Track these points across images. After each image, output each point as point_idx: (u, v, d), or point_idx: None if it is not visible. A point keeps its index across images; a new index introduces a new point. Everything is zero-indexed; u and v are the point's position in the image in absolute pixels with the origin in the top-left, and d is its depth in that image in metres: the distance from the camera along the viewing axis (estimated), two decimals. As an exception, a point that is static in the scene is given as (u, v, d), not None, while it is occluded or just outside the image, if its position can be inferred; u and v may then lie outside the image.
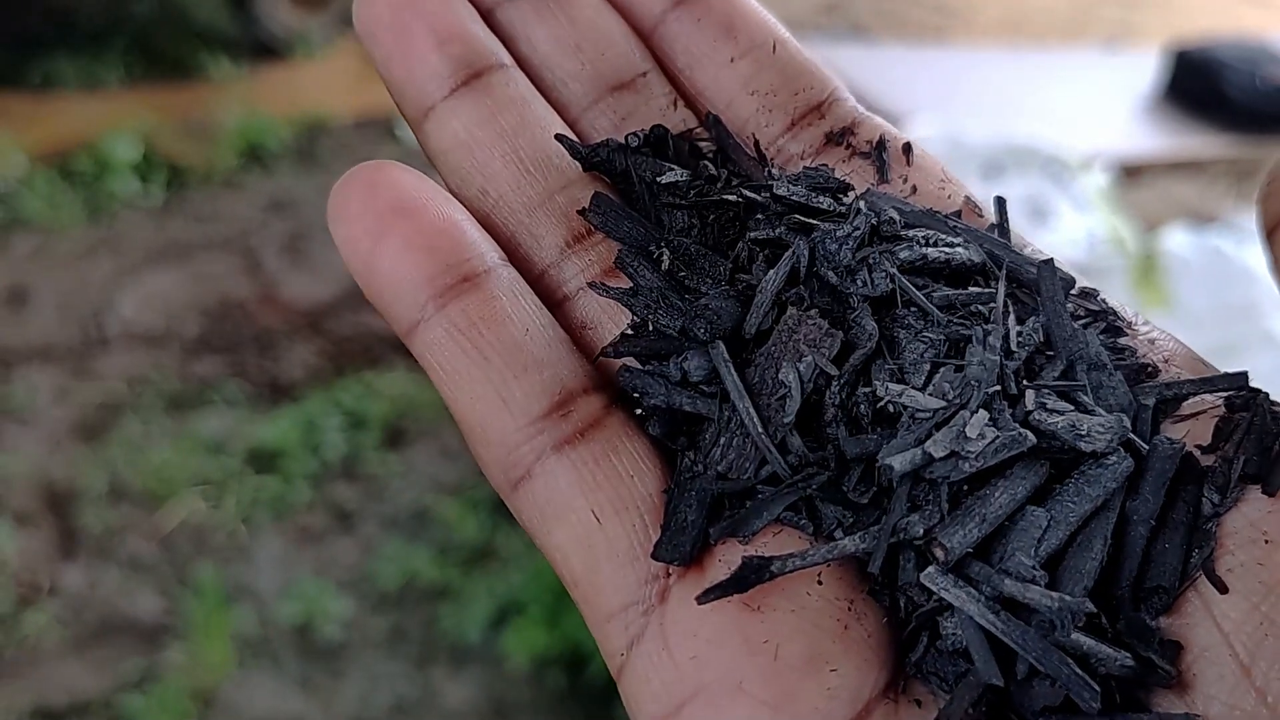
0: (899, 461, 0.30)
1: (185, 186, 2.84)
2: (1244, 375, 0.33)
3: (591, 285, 0.35)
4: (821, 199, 0.35)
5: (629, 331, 0.34)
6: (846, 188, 0.37)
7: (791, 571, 0.29)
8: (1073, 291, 0.36)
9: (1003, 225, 0.37)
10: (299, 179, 2.78)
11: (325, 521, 2.00)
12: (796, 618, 0.30)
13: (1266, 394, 0.33)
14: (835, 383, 0.32)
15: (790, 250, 0.34)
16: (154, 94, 3.06)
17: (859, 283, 0.33)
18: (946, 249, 0.34)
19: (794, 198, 0.35)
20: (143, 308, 2.43)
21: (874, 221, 0.34)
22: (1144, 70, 3.75)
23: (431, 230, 0.33)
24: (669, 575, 0.31)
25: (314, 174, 2.83)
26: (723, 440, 0.32)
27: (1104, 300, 0.36)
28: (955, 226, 0.36)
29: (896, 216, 0.35)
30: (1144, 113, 3.63)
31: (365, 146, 2.99)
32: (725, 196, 0.36)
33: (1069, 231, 1.78)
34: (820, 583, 0.30)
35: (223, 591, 1.82)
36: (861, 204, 0.35)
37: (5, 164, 2.71)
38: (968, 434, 0.30)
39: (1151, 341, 0.35)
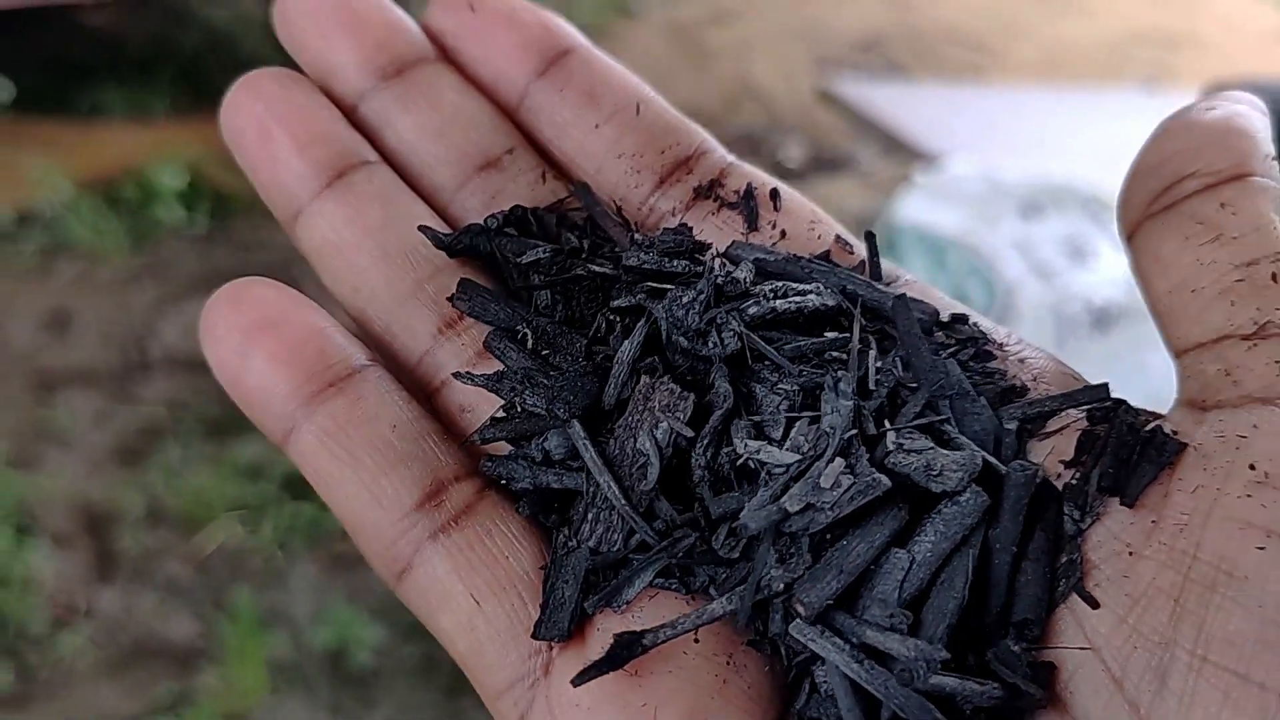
0: (754, 520, 0.30)
1: (229, 215, 2.89)
2: (1104, 387, 0.34)
3: (456, 375, 0.36)
4: (676, 263, 0.36)
5: (499, 414, 0.35)
6: (702, 247, 0.38)
7: (663, 642, 0.30)
8: (942, 319, 0.36)
9: (873, 261, 0.38)
10: (339, 209, 2.80)
11: (358, 549, 2.01)
12: (675, 679, 0.31)
13: (1126, 404, 0.34)
14: (699, 444, 0.32)
15: (642, 319, 0.34)
16: (200, 124, 3.10)
17: (710, 344, 0.34)
18: (797, 299, 0.35)
19: (646, 266, 0.36)
20: (184, 334, 2.46)
21: (719, 281, 0.35)
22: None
23: (295, 342, 0.34)
24: (551, 649, 0.32)
25: (354, 204, 2.86)
26: (590, 515, 0.33)
27: (974, 324, 0.37)
28: (815, 270, 0.37)
29: (743, 276, 0.35)
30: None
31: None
32: (580, 272, 0.37)
33: (1108, 271, 1.77)
34: (697, 640, 0.32)
35: (257, 616, 1.83)
36: (716, 263, 0.36)
37: (52, 190, 2.76)
38: (822, 484, 0.31)
39: (1022, 360, 0.36)
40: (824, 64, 4.16)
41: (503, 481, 0.34)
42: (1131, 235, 0.35)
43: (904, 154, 3.41)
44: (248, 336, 0.34)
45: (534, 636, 0.32)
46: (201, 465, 2.11)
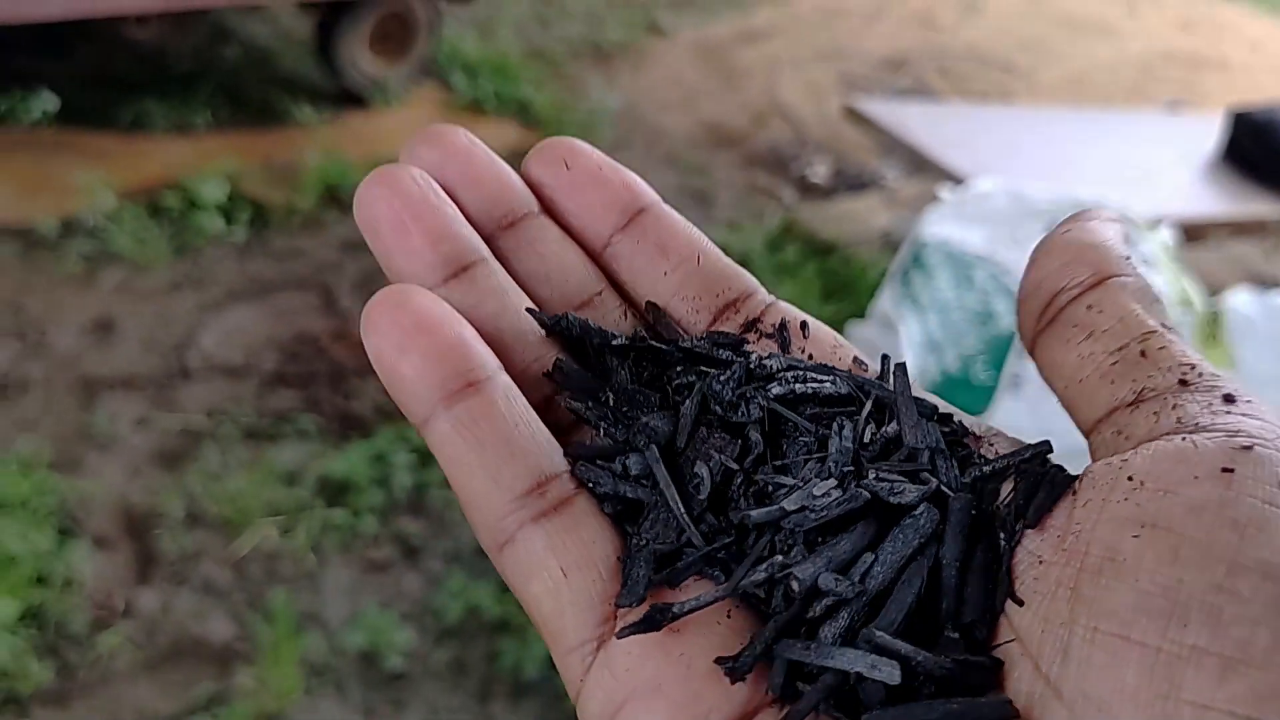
0: (757, 514, 0.40)
1: (267, 226, 2.93)
2: (1046, 443, 0.41)
3: (559, 398, 0.44)
4: (721, 351, 0.46)
5: (586, 441, 0.44)
6: (743, 341, 0.47)
7: (689, 612, 0.39)
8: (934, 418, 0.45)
9: (883, 373, 0.47)
10: (375, 221, 2.83)
11: (392, 554, 2.04)
12: (706, 639, 0.38)
13: (1044, 448, 0.41)
14: (737, 476, 0.42)
15: (696, 389, 0.45)
16: (240, 137, 3.15)
17: (740, 414, 0.44)
18: (815, 384, 0.45)
19: (698, 350, 0.46)
20: (223, 342, 2.51)
21: (751, 366, 0.45)
22: (1206, 133, 3.74)
23: (444, 345, 0.41)
24: (616, 618, 0.39)
25: (389, 217, 2.89)
26: (652, 517, 0.42)
27: (959, 421, 0.45)
28: (835, 371, 0.46)
29: (772, 364, 0.45)
30: (1206, 175, 3.61)
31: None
32: (651, 345, 0.46)
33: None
34: (729, 615, 0.39)
35: (293, 618, 1.86)
36: (752, 355, 0.46)
37: (96, 200, 2.81)
38: (815, 493, 0.40)
39: (992, 445, 0.43)
40: (851, 83, 4.18)
41: (590, 485, 0.42)
42: (1032, 351, 0.42)
43: (930, 172, 3.43)
44: (407, 335, 0.40)
45: (617, 604, 0.39)
46: (239, 470, 2.15)
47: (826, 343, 0.48)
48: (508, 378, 0.42)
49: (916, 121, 3.69)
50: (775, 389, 0.44)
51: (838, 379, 0.45)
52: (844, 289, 2.85)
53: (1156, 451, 0.35)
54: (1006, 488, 0.41)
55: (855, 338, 2.13)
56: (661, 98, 3.88)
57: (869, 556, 0.39)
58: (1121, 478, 0.35)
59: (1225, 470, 0.33)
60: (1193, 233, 3.08)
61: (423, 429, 0.41)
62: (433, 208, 0.45)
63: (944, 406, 0.46)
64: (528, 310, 0.45)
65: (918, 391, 0.46)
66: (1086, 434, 0.39)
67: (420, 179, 0.45)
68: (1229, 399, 0.36)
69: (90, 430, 2.21)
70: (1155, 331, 0.38)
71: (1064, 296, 0.40)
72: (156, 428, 2.24)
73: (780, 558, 0.39)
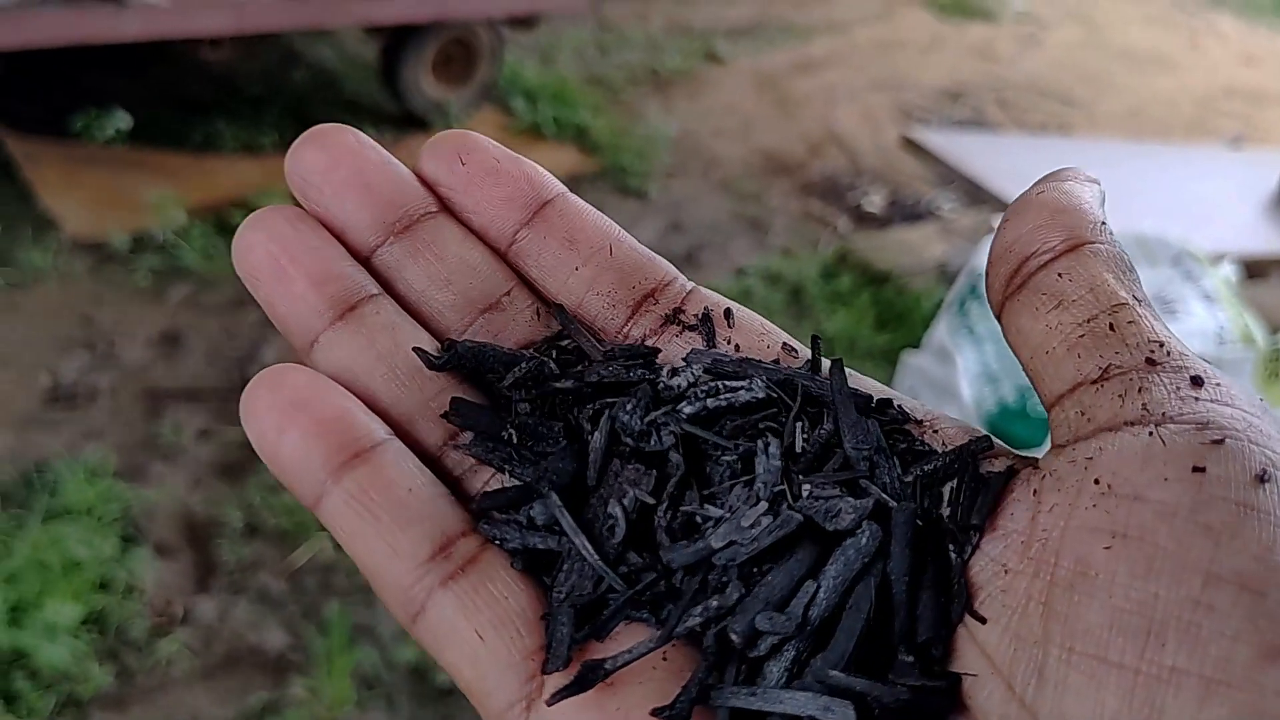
0: (680, 557, 0.38)
1: (330, 245, 2.98)
2: (987, 438, 0.40)
3: (455, 446, 0.42)
4: (632, 373, 0.43)
5: (489, 490, 0.42)
6: (653, 353, 0.45)
7: (621, 666, 0.37)
8: (870, 405, 0.43)
9: (815, 358, 0.45)
10: (434, 242, 2.87)
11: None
12: (644, 689, 0.37)
13: (980, 445, 0.39)
14: (660, 507, 0.40)
15: (602, 421, 0.42)
16: (305, 157, 3.22)
17: (652, 442, 0.41)
18: (729, 395, 0.42)
19: (605, 380, 0.43)
20: (285, 357, 2.55)
21: (658, 389, 0.42)
22: (1269, 169, 3.69)
23: (324, 420, 0.39)
24: (543, 676, 0.38)
25: (448, 238, 2.93)
26: (566, 568, 0.39)
27: (899, 407, 0.43)
28: (760, 368, 0.43)
29: (678, 383, 0.43)
30: (1268, 211, 3.56)
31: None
32: (551, 386, 0.43)
33: (1198, 325, 1.76)
34: (665, 659, 0.37)
35: (346, 630, 1.87)
36: (665, 371, 0.43)
37: (166, 217, 2.86)
38: (742, 524, 0.38)
39: (936, 432, 0.42)
40: (908, 113, 4.18)
41: (496, 542, 0.39)
42: (999, 316, 0.40)
43: (987, 204, 3.41)
44: (285, 416, 0.39)
45: (543, 672, 0.38)
46: (298, 483, 2.17)
47: (753, 329, 0.46)
48: (397, 442, 0.40)
49: (974, 152, 3.67)
50: (687, 408, 0.42)
51: (754, 381, 0.42)
52: (898, 319, 2.84)
53: (1123, 448, 0.33)
54: (950, 488, 0.39)
55: (910, 367, 2.13)
56: (718, 125, 3.90)
57: (811, 584, 0.37)
58: (1088, 480, 0.34)
59: (1196, 469, 0.32)
60: (1255, 269, 3.04)
61: (316, 510, 0.39)
62: (312, 249, 0.43)
63: (880, 390, 0.44)
64: (414, 350, 0.42)
65: (854, 380, 0.43)
66: (1048, 407, 0.38)
67: (298, 220, 0.43)
68: (1197, 381, 0.34)
69: (155, 440, 2.25)
70: (1125, 304, 0.36)
71: (1035, 261, 0.38)
72: (219, 439, 2.27)
73: (715, 601, 0.37)
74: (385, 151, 0.45)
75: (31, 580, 1.83)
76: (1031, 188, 0.41)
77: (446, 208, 0.46)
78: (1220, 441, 0.32)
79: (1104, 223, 0.39)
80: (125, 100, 3.20)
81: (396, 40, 3.34)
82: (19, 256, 2.67)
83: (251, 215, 0.43)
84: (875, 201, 3.53)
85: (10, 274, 2.62)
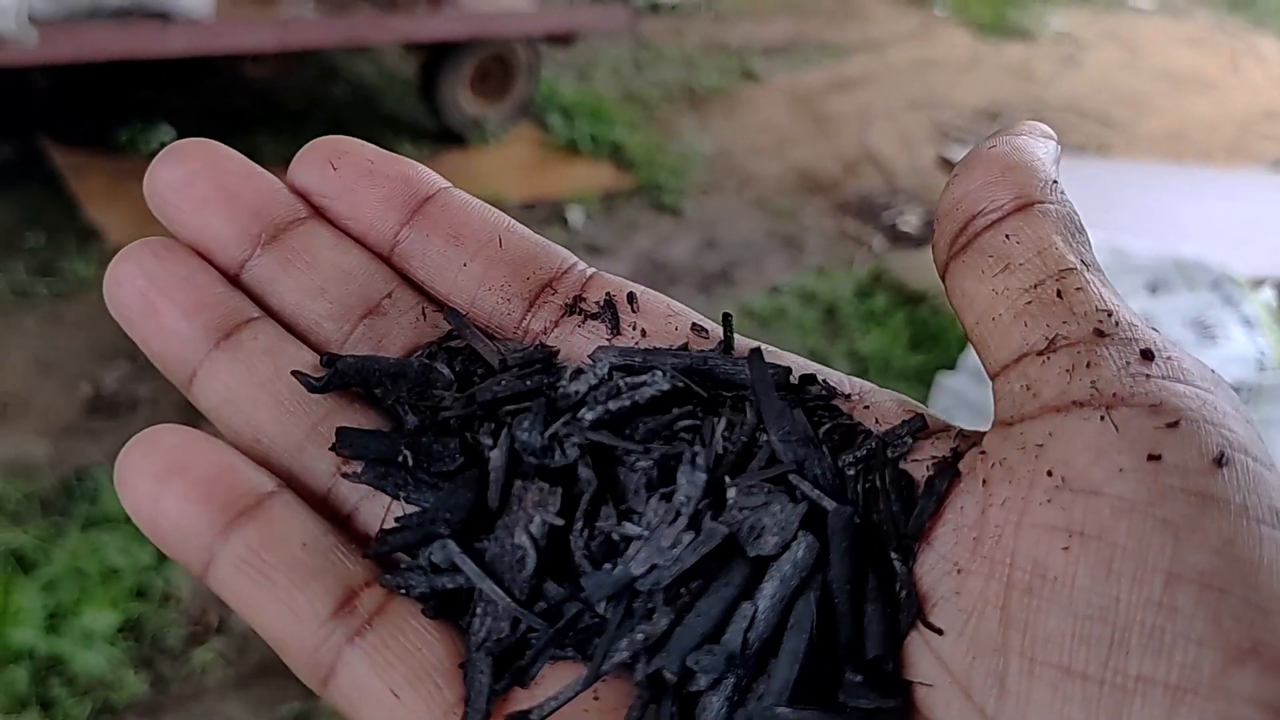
0: (598, 590, 0.35)
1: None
2: (920, 418, 0.38)
3: (345, 475, 0.39)
4: (530, 380, 0.40)
5: (390, 527, 0.39)
6: (552, 354, 0.42)
7: (550, 713, 0.34)
8: (794, 380, 0.40)
9: (728, 337, 0.42)
10: (471, 257, 2.88)
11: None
12: None
13: (914, 426, 0.38)
14: (575, 528, 0.37)
15: (500, 441, 0.39)
16: (345, 172, 3.25)
17: (556, 457, 0.38)
18: (631, 394, 0.39)
19: (500, 395, 0.40)
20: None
21: (554, 400, 0.39)
22: (1314, 192, 3.65)
23: (204, 480, 0.36)
24: None
25: (484, 253, 2.95)
26: (479, 610, 0.36)
27: (824, 381, 0.40)
28: (669, 358, 0.40)
29: (575, 389, 0.39)
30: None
31: (533, 227, 3.10)
32: (445, 412, 0.40)
33: (1237, 351, 1.75)
34: (597, 698, 0.35)
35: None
36: (565, 369, 0.40)
37: (207, 229, 2.90)
38: (663, 545, 0.35)
39: (867, 407, 0.40)
40: (945, 133, 4.16)
41: (402, 591, 0.37)
42: (943, 277, 0.38)
43: (1024, 225, 3.38)
44: (159, 483, 0.36)
45: None
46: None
47: (660, 312, 0.43)
48: (286, 493, 0.37)
49: (1011, 173, 3.64)
50: (588, 415, 0.39)
51: (659, 373, 0.40)
52: (933, 339, 2.83)
53: (1075, 436, 0.32)
54: (883, 486, 0.37)
55: (945, 389, 2.11)
56: (753, 143, 3.91)
57: (747, 606, 0.34)
58: (1040, 471, 0.32)
59: (1152, 458, 0.30)
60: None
61: (204, 578, 0.36)
62: (182, 279, 0.40)
63: (802, 365, 0.41)
64: (292, 374, 0.40)
65: (770, 355, 0.41)
66: (993, 376, 0.36)
67: (164, 250, 0.41)
68: (1147, 354, 0.33)
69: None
70: (1073, 269, 0.35)
71: (981, 220, 0.37)
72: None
73: (642, 631, 0.34)
74: (249, 161, 0.43)
75: (70, 587, 1.84)
76: (984, 142, 0.39)
77: (318, 214, 0.44)
78: (1175, 424, 0.31)
79: (1055, 181, 0.37)
80: (170, 114, 3.25)
81: (435, 57, 3.37)
82: (64, 267, 2.70)
83: (120, 251, 0.41)
84: (910, 221, 3.52)
85: (55, 284, 2.65)
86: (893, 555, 0.35)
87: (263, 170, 0.43)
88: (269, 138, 3.31)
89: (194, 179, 0.42)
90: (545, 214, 3.20)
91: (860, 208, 3.60)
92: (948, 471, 0.35)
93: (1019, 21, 5.38)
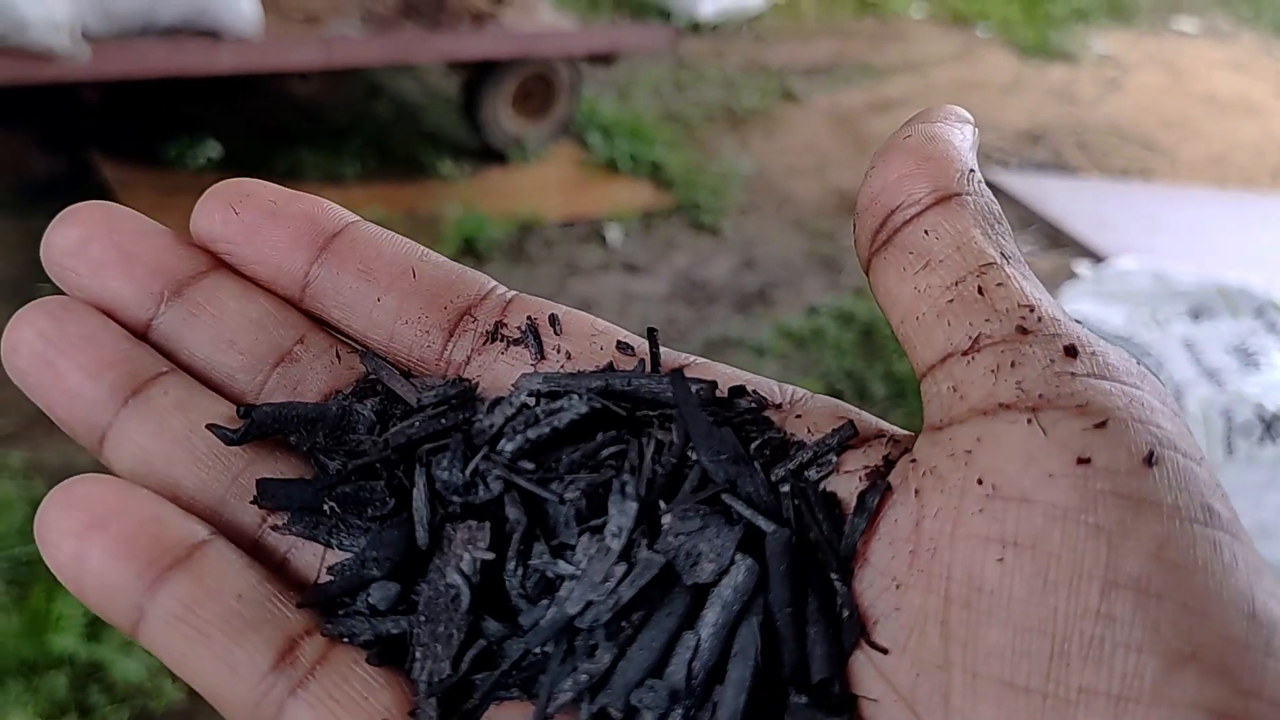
0: (536, 635, 0.34)
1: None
2: (849, 425, 0.37)
3: (275, 528, 0.38)
4: (444, 418, 0.39)
5: (325, 579, 0.38)
6: (469, 389, 0.41)
7: None
8: (723, 393, 0.40)
9: (653, 354, 0.41)
10: (510, 272, 2.90)
11: None
12: None
13: (844, 435, 0.37)
14: (509, 565, 0.36)
15: (419, 484, 0.38)
16: (386, 188, 3.25)
17: (480, 493, 0.38)
18: (550, 420, 0.38)
19: (415, 437, 0.39)
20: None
21: (470, 435, 0.39)
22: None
23: (129, 532, 0.35)
24: None
25: (524, 268, 2.96)
26: (421, 650, 0.36)
27: (755, 392, 0.40)
28: (585, 383, 0.40)
29: (489, 423, 0.39)
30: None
31: (571, 245, 3.12)
32: (361, 459, 0.39)
33: (1281, 377, 1.73)
34: None
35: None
36: (482, 403, 0.39)
37: (250, 243, 2.93)
38: (595, 580, 0.34)
39: (799, 416, 0.39)
40: (986, 155, 4.14)
41: (345, 639, 0.36)
42: (867, 273, 0.37)
43: (1066, 248, 3.36)
44: (80, 539, 0.34)
45: None
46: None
47: (583, 333, 0.42)
48: (219, 541, 0.36)
49: (1053, 196, 3.63)
50: (508, 447, 0.38)
51: (575, 396, 0.39)
52: (972, 362, 2.80)
53: (1002, 442, 0.31)
54: (846, 483, 0.36)
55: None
56: (793, 163, 3.91)
57: (690, 636, 0.34)
58: (970, 479, 0.31)
59: (1080, 461, 0.30)
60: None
61: (135, 636, 0.35)
62: (82, 338, 0.39)
63: (731, 375, 0.41)
64: (208, 427, 0.39)
65: (697, 369, 0.40)
66: (920, 377, 0.35)
67: (63, 310, 0.40)
68: (1071, 351, 0.32)
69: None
70: (994, 264, 0.34)
71: (900, 215, 0.36)
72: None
73: (586, 670, 0.34)
74: (144, 219, 0.42)
75: (111, 594, 1.87)
76: (899, 130, 0.38)
77: (222, 264, 0.42)
78: (1103, 425, 0.30)
79: (973, 170, 0.36)
80: (216, 130, 3.30)
81: (478, 75, 3.40)
82: (110, 278, 2.74)
83: (16, 314, 0.39)
84: (950, 243, 3.50)
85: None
86: (833, 576, 0.34)
87: (160, 226, 0.42)
88: (312, 154, 3.36)
89: (89, 242, 0.41)
90: (584, 232, 3.21)
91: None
92: (879, 486, 0.35)
93: (1062, 44, 5.36)
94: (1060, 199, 3.59)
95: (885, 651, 0.32)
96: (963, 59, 5.13)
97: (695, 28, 4.84)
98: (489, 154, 3.49)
